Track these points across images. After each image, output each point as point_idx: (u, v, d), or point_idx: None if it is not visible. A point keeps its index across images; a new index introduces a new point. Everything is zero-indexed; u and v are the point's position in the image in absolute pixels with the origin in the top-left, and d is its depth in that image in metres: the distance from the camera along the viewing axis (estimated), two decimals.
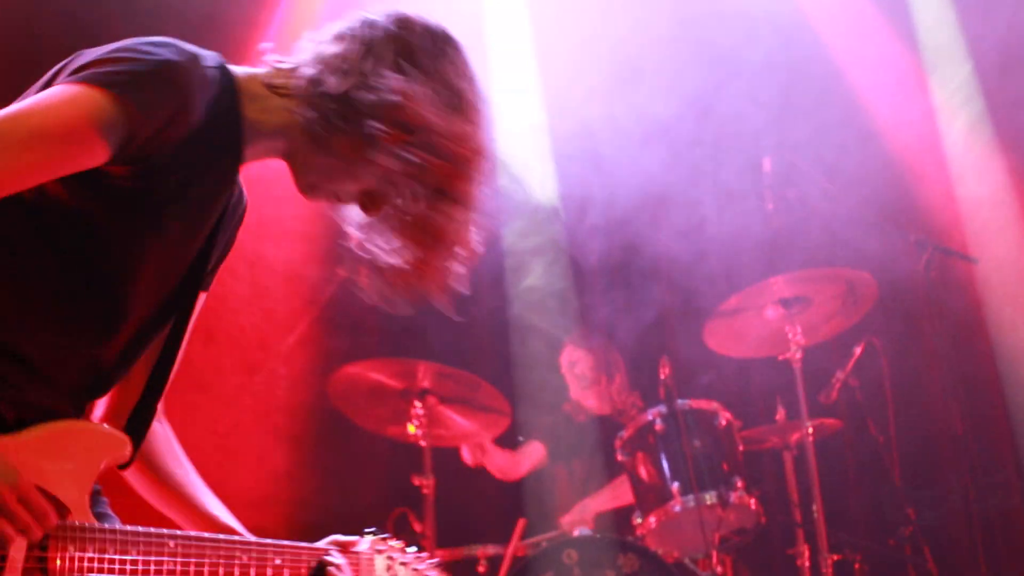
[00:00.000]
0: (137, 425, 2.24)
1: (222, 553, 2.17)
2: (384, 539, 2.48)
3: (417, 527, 5.23)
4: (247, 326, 5.99)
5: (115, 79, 1.94)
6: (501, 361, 6.26)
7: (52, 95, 1.93)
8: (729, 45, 5.80)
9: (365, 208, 2.21)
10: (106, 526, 2.05)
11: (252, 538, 2.27)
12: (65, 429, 2.03)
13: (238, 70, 2.18)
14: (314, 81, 2.11)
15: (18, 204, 1.95)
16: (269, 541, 2.26)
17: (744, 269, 5.90)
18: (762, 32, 5.85)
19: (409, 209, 2.16)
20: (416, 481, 5.25)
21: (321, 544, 2.36)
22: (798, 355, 5.33)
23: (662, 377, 5.07)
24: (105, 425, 2.20)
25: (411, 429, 5.32)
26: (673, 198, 6.05)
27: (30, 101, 1.93)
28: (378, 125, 2.07)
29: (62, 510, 1.98)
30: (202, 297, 2.39)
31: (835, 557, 5.16)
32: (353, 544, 2.42)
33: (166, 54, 2.01)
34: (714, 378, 6.10)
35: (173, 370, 2.34)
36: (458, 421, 5.55)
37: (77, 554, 1.97)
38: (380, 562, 2.44)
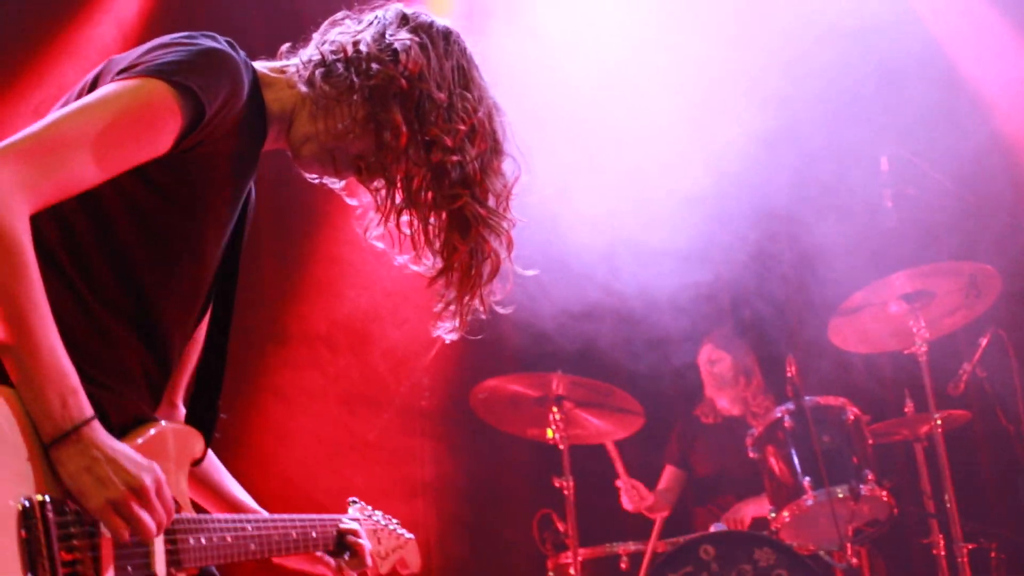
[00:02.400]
0: (206, 421, 2.30)
1: (280, 529, 2.42)
2: (365, 508, 2.85)
3: (560, 527, 5.38)
4: (393, 341, 6.31)
5: (170, 68, 1.96)
6: (631, 370, 6.43)
7: (109, 90, 1.94)
8: (842, 49, 5.86)
9: (360, 173, 2.24)
10: (203, 516, 2.19)
11: (290, 516, 2.51)
12: (164, 431, 2.09)
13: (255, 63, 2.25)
14: (316, 62, 2.19)
15: (95, 205, 1.98)
16: (305, 516, 2.55)
17: (866, 266, 5.93)
18: (872, 35, 5.90)
19: (419, 192, 2.19)
20: (557, 483, 5.39)
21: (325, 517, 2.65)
22: (923, 348, 5.35)
23: (789, 375, 5.18)
24: (183, 425, 2.26)
25: (550, 434, 5.50)
26: (792, 200, 6.13)
27: (89, 98, 1.94)
28: (373, 79, 2.13)
29: (176, 505, 2.06)
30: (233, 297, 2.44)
31: (970, 546, 5.16)
32: (351, 516, 2.76)
33: (208, 43, 2.06)
34: (841, 374, 6.16)
35: (226, 365, 2.38)
36: (594, 422, 5.70)
37: (194, 543, 2.10)
38: (368, 524, 2.79)
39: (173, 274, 2.10)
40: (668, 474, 6.30)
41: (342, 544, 2.66)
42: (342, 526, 2.67)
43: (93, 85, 2.06)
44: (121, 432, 1.98)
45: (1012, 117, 6.16)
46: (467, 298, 2.28)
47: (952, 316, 5.52)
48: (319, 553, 2.63)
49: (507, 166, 2.30)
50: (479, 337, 2.45)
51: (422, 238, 2.25)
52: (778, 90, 5.80)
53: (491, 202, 2.25)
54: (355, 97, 2.15)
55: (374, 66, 2.15)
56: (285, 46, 2.33)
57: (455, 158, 2.17)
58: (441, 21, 2.29)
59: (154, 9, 6.18)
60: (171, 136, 1.96)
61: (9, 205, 1.76)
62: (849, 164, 6.09)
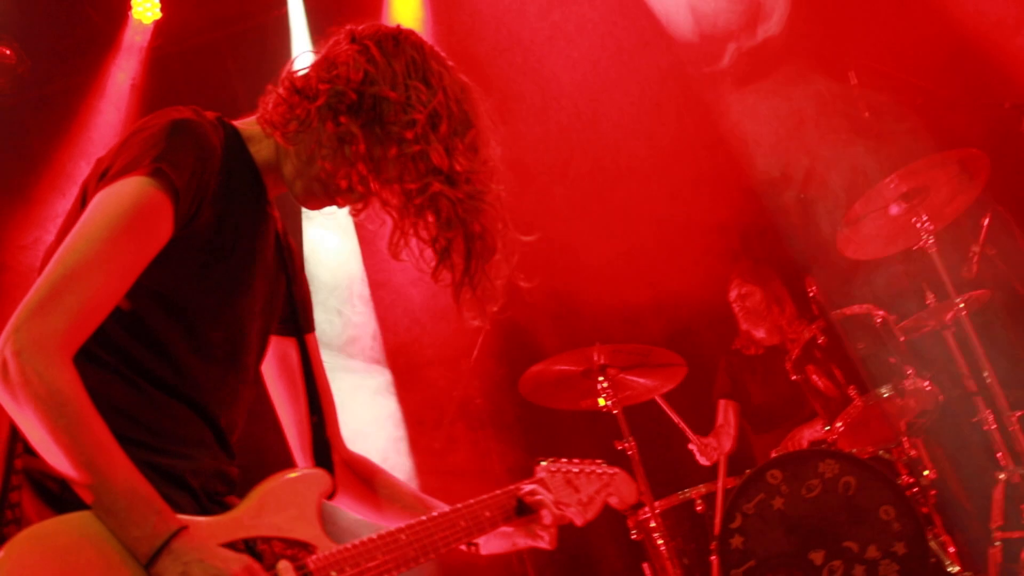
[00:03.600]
0: (323, 459, 2.44)
1: (445, 524, 2.42)
2: (554, 461, 2.84)
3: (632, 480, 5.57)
4: (436, 350, 6.52)
5: (137, 159, 2.05)
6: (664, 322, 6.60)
7: (98, 205, 2.03)
8: None
9: (350, 192, 2.26)
10: (348, 544, 2.20)
11: (458, 505, 2.49)
12: (272, 487, 2.18)
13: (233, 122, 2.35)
14: (275, 103, 2.27)
15: (135, 302, 2.07)
16: (476, 500, 2.52)
17: (858, 176, 6.11)
18: None
19: (408, 191, 2.22)
20: (619, 446, 5.45)
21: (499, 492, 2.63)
22: (931, 241, 5.51)
23: (811, 294, 5.33)
24: (300, 470, 2.33)
25: (601, 402, 5.54)
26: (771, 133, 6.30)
27: (83, 223, 2.02)
28: (321, 98, 2.20)
29: (309, 548, 2.15)
30: (312, 339, 2.57)
31: (1018, 413, 5.36)
32: (534, 477, 2.76)
33: (167, 117, 2.14)
34: (859, 283, 6.33)
35: (329, 406, 2.52)
36: (640, 382, 5.79)
37: None
38: (558, 479, 2.78)
39: (199, 339, 2.18)
40: (723, 408, 6.47)
41: (524, 509, 2.63)
42: (520, 493, 2.65)
43: (83, 193, 2.15)
44: (206, 494, 2.12)
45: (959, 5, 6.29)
46: (478, 280, 2.30)
47: (951, 204, 5.67)
48: (504, 528, 2.61)
49: (484, 144, 2.32)
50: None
51: (415, 234, 2.27)
52: None
53: (469, 180, 2.26)
54: (315, 123, 2.23)
55: (320, 87, 2.22)
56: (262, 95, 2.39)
57: (417, 148, 2.20)
58: (389, 25, 2.32)
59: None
60: (167, 220, 2.05)
61: (50, 362, 1.89)
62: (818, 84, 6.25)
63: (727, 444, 6.12)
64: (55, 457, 1.89)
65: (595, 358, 5.56)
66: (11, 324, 1.92)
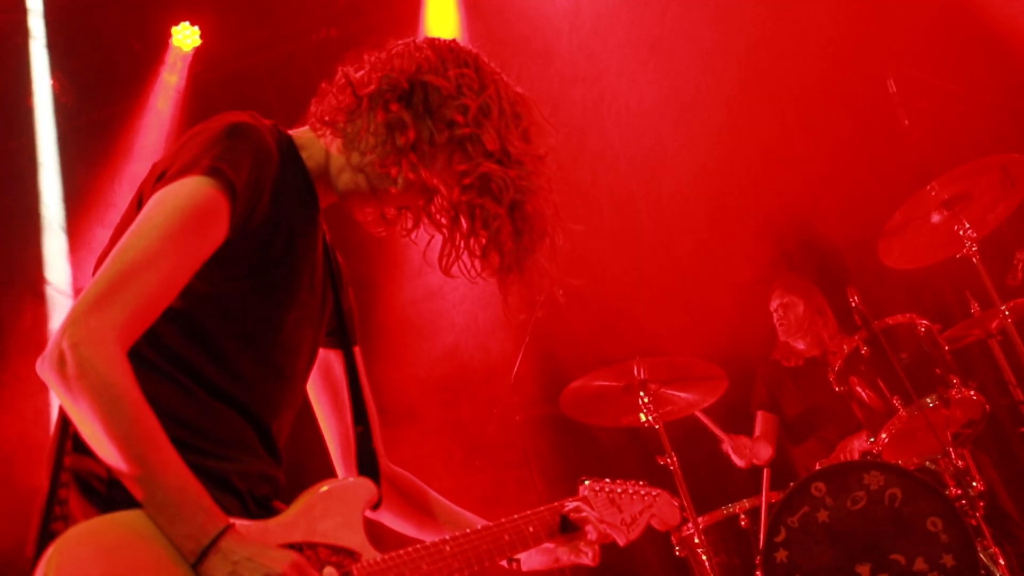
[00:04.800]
0: (369, 470, 2.45)
1: (488, 538, 2.44)
2: (598, 481, 2.85)
3: (675, 502, 5.52)
4: (476, 370, 6.54)
5: (196, 158, 2.07)
6: (703, 335, 6.58)
7: (155, 205, 2.05)
8: None
9: (395, 185, 2.29)
10: (392, 553, 2.22)
11: (503, 520, 2.51)
12: (320, 494, 2.20)
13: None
14: (328, 102, 2.31)
15: (185, 305, 2.09)
16: (520, 515, 2.54)
17: (900, 185, 6.04)
18: None
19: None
20: (661, 461, 5.41)
21: (543, 508, 2.64)
22: (973, 248, 5.42)
23: (853, 304, 5.20)
24: (347, 478, 2.40)
25: (643, 418, 5.51)
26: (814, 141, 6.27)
27: (140, 220, 2.04)
28: (372, 86, 2.23)
29: (354, 555, 2.16)
30: (358, 352, 2.58)
31: None
32: (578, 495, 2.78)
33: (225, 120, 2.17)
34: (902, 293, 6.27)
35: (373, 418, 2.53)
36: (681, 396, 5.75)
37: None
38: (602, 497, 2.82)
39: (253, 344, 2.19)
40: (761, 419, 6.42)
41: (568, 526, 2.66)
42: (565, 509, 2.67)
43: (139, 197, 2.18)
44: (252, 497, 2.14)
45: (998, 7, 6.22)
46: (527, 263, 2.32)
47: (994, 210, 5.59)
48: (546, 545, 2.63)
49: (536, 135, 2.35)
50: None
51: (467, 224, 2.30)
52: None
53: (521, 162, 2.28)
54: (365, 113, 2.27)
55: (372, 76, 2.28)
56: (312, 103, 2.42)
57: (468, 131, 2.24)
58: (453, 42, 2.37)
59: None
60: (224, 220, 2.07)
61: (107, 355, 1.90)
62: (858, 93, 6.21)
63: (765, 454, 6.06)
64: (106, 451, 1.90)
65: (635, 372, 5.53)
66: (68, 316, 1.93)
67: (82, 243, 7.04)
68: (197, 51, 7.85)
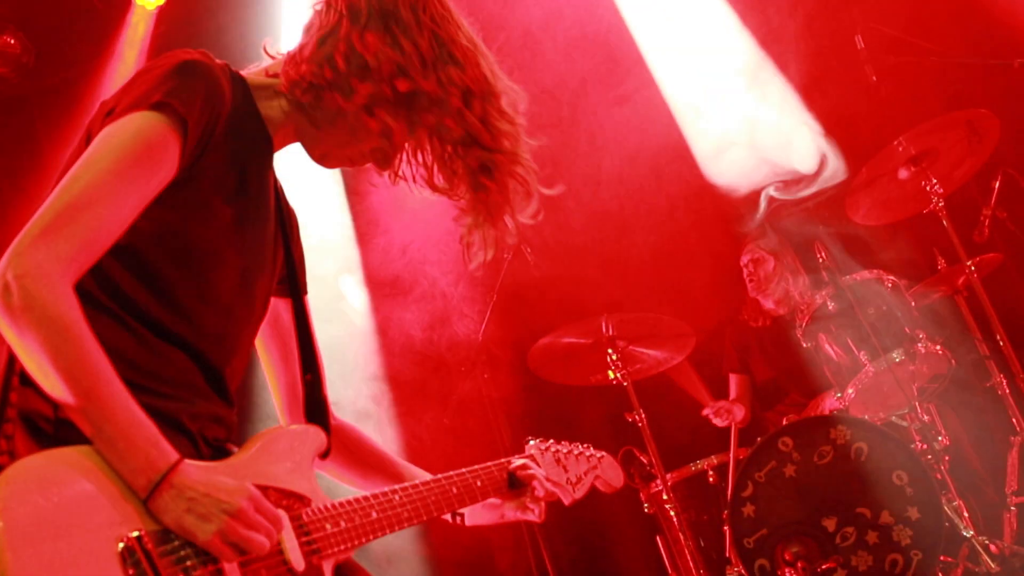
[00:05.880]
0: (318, 418, 2.42)
1: (436, 489, 2.46)
2: (544, 441, 2.90)
3: (643, 459, 5.51)
4: (442, 338, 6.53)
5: (146, 94, 2.03)
6: (669, 291, 6.58)
7: (103, 139, 2.01)
8: None
9: (379, 165, 2.32)
10: (342, 500, 2.23)
11: (450, 473, 2.52)
12: (271, 438, 2.17)
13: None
14: (296, 62, 2.24)
15: (131, 242, 2.04)
16: (467, 469, 2.56)
17: (866, 141, 6.05)
18: None
19: (444, 159, 2.26)
20: (629, 417, 5.44)
21: (490, 464, 2.67)
22: (940, 204, 5.42)
23: (820, 260, 5.25)
24: (298, 425, 2.37)
25: (611, 375, 5.53)
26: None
27: (88, 154, 2.00)
28: (360, 85, 2.19)
29: (304, 500, 2.15)
30: (307, 301, 2.55)
31: None
32: (524, 453, 2.81)
33: (176, 57, 2.11)
34: (869, 249, 6.27)
35: (321, 367, 2.50)
36: (650, 353, 5.77)
37: (333, 529, 2.17)
38: (548, 457, 2.86)
39: (203, 283, 2.14)
40: (734, 382, 6.45)
41: (515, 482, 2.68)
42: (512, 466, 2.69)
43: (87, 134, 2.12)
44: (203, 437, 2.11)
45: None
46: (496, 199, 2.31)
47: (961, 167, 5.61)
48: (492, 500, 2.65)
49: (508, 99, 2.32)
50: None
51: (448, 185, 2.31)
52: None
53: (501, 141, 2.27)
54: (349, 112, 2.23)
55: (354, 84, 2.20)
56: (265, 42, 2.38)
57: (454, 125, 2.23)
58: None
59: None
60: (174, 156, 2.03)
61: (53, 287, 1.84)
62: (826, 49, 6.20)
63: (740, 415, 6.08)
64: (53, 384, 1.85)
65: (604, 329, 5.53)
66: (13, 248, 1.87)
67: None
68: (161, 9, 7.72)
